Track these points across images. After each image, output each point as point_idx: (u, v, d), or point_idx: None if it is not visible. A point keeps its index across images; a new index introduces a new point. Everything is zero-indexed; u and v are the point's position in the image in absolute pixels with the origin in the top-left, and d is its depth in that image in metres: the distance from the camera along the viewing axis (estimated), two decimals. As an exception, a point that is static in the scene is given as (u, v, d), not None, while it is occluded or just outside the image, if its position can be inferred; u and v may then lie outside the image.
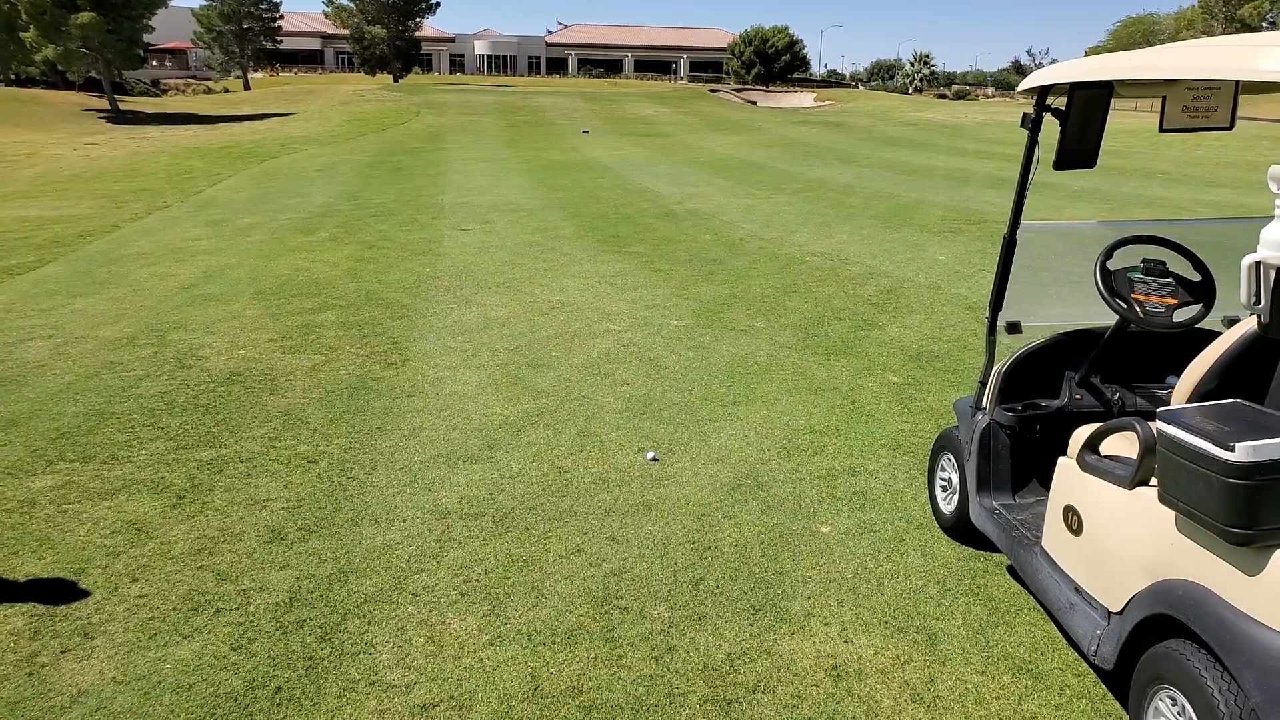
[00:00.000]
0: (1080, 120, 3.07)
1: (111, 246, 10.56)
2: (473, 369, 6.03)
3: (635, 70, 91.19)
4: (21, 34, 39.29)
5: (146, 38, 43.63)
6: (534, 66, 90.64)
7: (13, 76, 48.25)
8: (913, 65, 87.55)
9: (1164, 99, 3.14)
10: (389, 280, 8.68)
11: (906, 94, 75.13)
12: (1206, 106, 3.18)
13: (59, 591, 3.28)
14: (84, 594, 3.28)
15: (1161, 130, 3.20)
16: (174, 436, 4.75)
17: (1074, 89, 3.00)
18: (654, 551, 3.67)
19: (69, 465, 4.37)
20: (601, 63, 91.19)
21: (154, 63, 63.28)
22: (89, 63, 40.57)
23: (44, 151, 26.10)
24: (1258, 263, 2.36)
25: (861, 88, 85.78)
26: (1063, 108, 3.11)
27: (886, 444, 4.80)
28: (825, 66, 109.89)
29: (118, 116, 39.35)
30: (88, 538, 3.69)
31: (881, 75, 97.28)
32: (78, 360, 6.06)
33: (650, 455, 4.61)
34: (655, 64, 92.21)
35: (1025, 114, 3.25)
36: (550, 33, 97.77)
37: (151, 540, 3.68)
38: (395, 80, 60.14)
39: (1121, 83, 2.92)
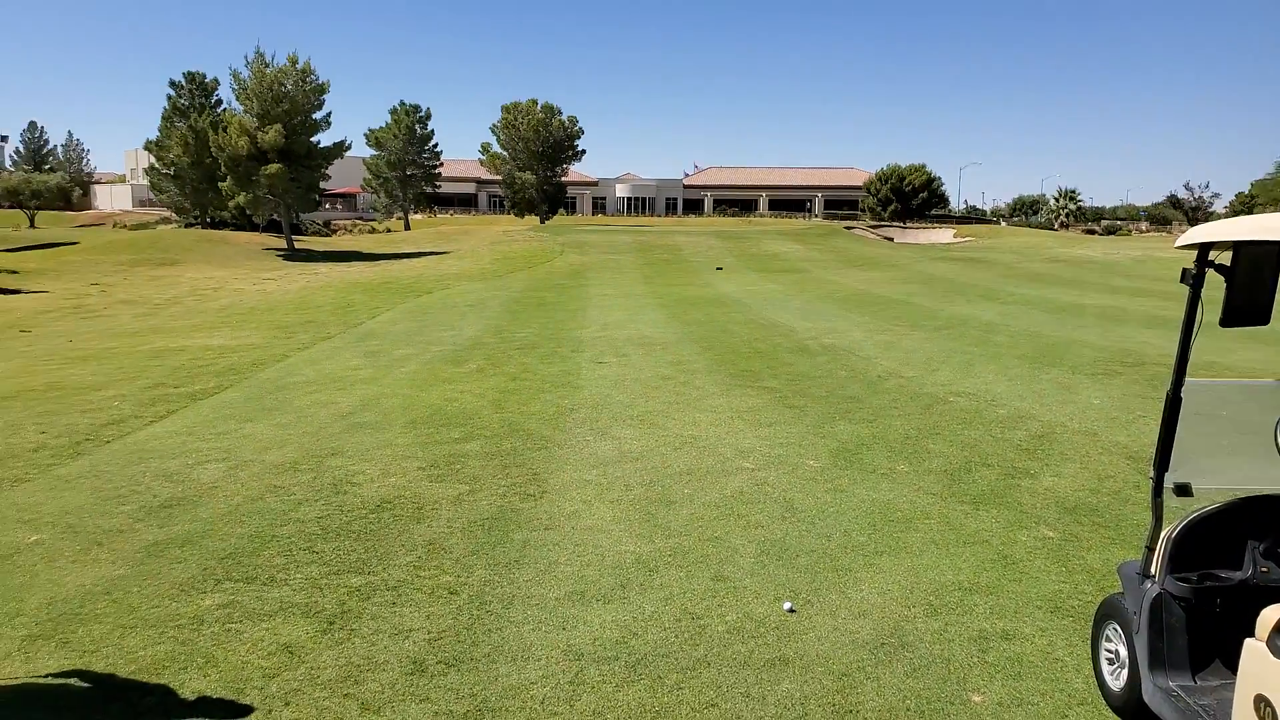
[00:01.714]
0: (1248, 276, 2.94)
1: (280, 374, 11.37)
2: (607, 504, 6.09)
3: (770, 209, 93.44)
4: (220, 183, 43.94)
5: (322, 184, 47.94)
6: (671, 207, 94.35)
7: (209, 219, 53.75)
8: (1058, 200, 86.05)
9: None
10: (530, 411, 8.97)
11: (1052, 229, 73.61)
12: None
13: (220, 710, 3.43)
14: (243, 712, 3.41)
15: None
16: (327, 561, 4.98)
17: (1240, 244, 2.90)
18: (791, 712, 3.53)
19: (234, 585, 4.62)
20: (736, 202, 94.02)
21: (327, 205, 69.32)
22: (272, 207, 44.78)
23: (228, 286, 28.67)
24: None
25: (1004, 224, 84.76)
26: (1228, 263, 2.99)
27: (1043, 605, 4.51)
28: (965, 202, 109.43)
29: (293, 254, 42.94)
30: (247, 658, 3.86)
31: (1025, 210, 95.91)
32: (245, 483, 6.48)
33: (787, 606, 4.48)
34: (790, 203, 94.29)
35: (1185, 270, 3.13)
36: (687, 175, 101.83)
37: (303, 664, 3.82)
38: (542, 221, 63.58)
39: None
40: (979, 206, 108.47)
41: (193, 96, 53.85)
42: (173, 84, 53.80)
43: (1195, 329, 3.17)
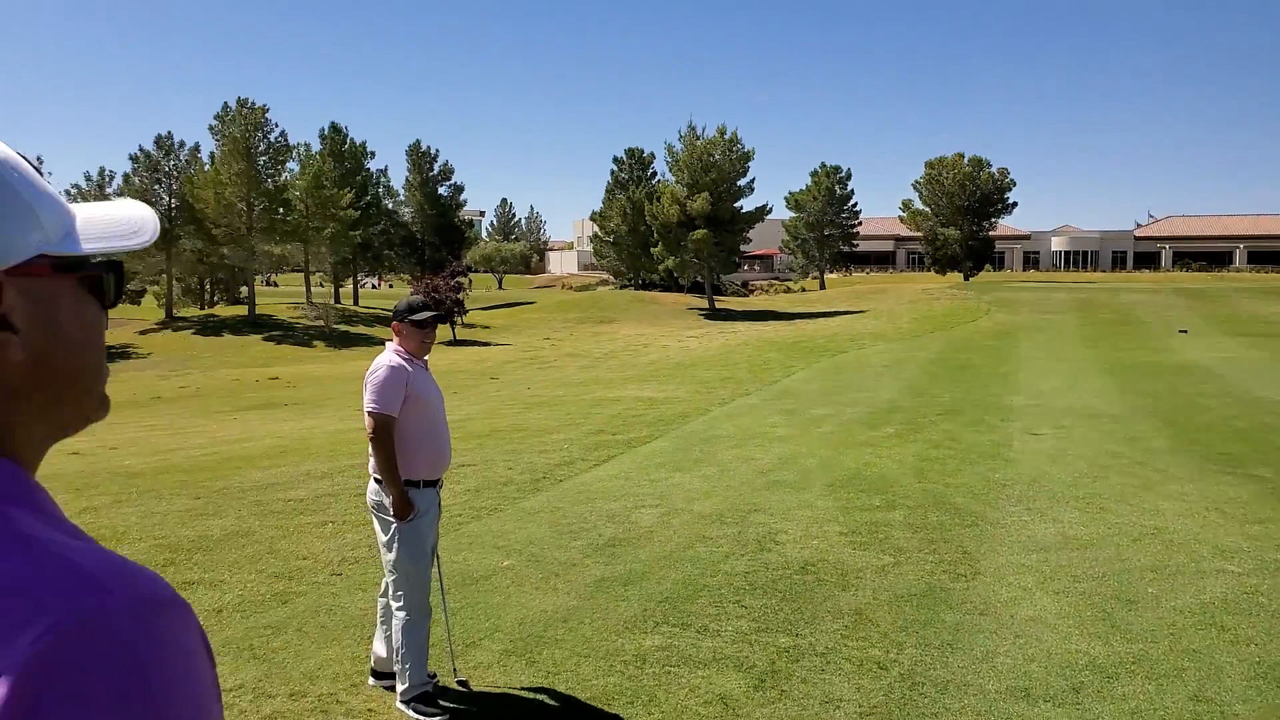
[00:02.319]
0: None
1: (703, 427, 12.02)
2: (1050, 594, 5.51)
3: (1249, 262, 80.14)
4: (652, 249, 48.32)
5: (742, 247, 50.60)
6: (1119, 261, 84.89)
7: (641, 281, 59.31)
8: None
9: None
10: (956, 483, 8.48)
11: None
12: None
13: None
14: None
15: None
16: (756, 617, 5.07)
17: None
18: None
19: (671, 629, 4.89)
20: (1203, 255, 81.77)
21: (745, 267, 72.88)
22: (696, 269, 48.17)
23: (656, 343, 31.24)
24: None
25: None
26: None
27: None
28: None
29: (713, 314, 45.69)
30: (685, 702, 4.04)
31: None
32: (678, 530, 6.88)
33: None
34: (1274, 255, 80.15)
35: None
36: (1139, 225, 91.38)
37: (738, 718, 3.89)
38: (966, 278, 60.93)
39: None
40: None
41: (632, 170, 60.13)
42: (615, 160, 60.59)
43: None
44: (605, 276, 71.54)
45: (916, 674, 4.35)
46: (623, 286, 62.30)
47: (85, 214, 0.77)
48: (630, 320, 43.39)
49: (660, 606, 5.23)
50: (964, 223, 61.34)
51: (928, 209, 63.27)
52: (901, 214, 66.16)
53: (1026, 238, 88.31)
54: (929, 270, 66.67)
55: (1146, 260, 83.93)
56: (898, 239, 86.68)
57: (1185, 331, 28.98)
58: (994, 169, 62.17)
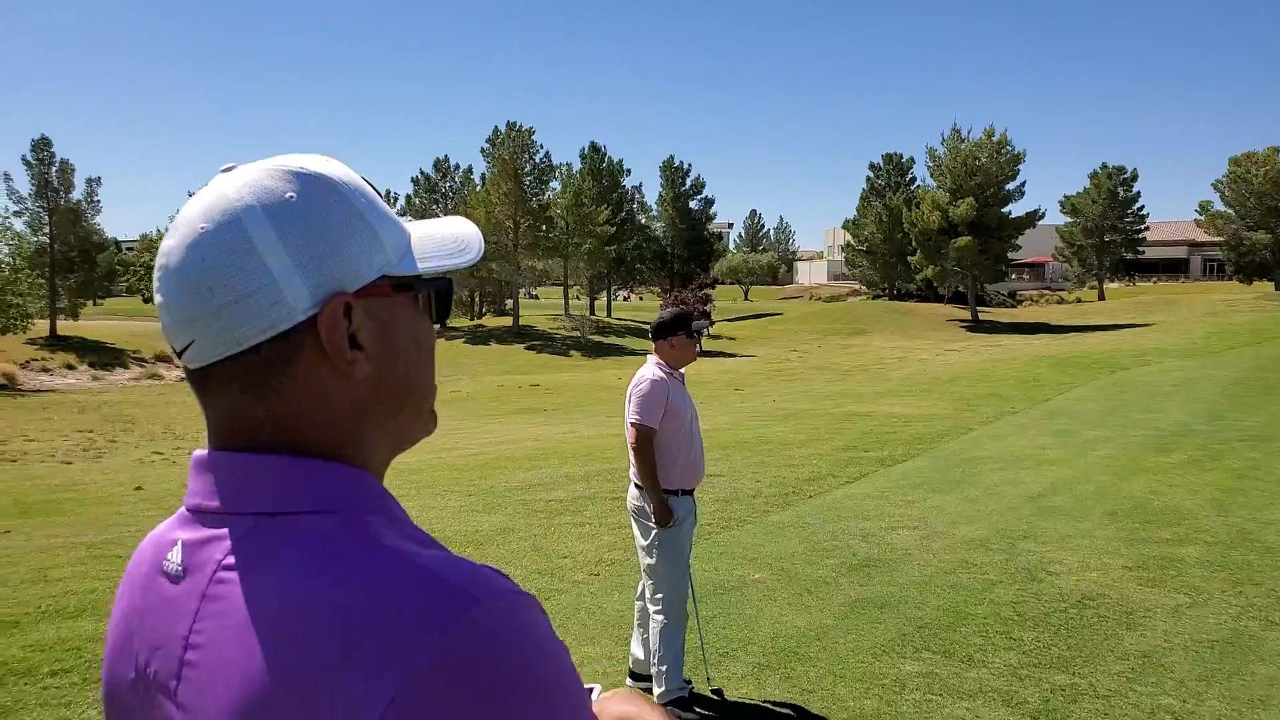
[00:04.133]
0: None
1: (965, 447, 11.39)
2: (1393, 653, 4.71)
3: None
4: (909, 257, 46.63)
5: (1010, 255, 47.61)
6: None
7: (895, 291, 57.43)
8: None
9: None
10: (1267, 519, 7.47)
11: None
12: None
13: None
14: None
15: None
16: (1026, 651, 4.73)
17: None
18: None
19: (931, 656, 4.67)
20: None
21: (1012, 276, 68.37)
22: (958, 279, 45.89)
23: (912, 356, 30.06)
24: None
25: None
26: None
27: None
28: None
29: (976, 325, 43.31)
30: (950, 735, 3.84)
31: None
32: (938, 554, 6.56)
33: None
34: None
35: None
36: None
37: (1005, 759, 3.65)
38: (1277, 288, 53.64)
39: None
40: None
41: (889, 176, 58.43)
42: (872, 166, 59.13)
43: None
44: (856, 286, 69.96)
45: (1220, 731, 3.87)
46: (875, 297, 60.65)
47: (419, 232, 0.79)
48: (883, 332, 42.05)
49: (920, 632, 5.00)
50: (1277, 225, 53.94)
51: (1231, 210, 56.26)
52: (1198, 216, 59.32)
53: (1355, 241, 76.29)
54: (1230, 279, 59.25)
55: None
56: (1192, 245, 77.88)
57: None
58: (1317, 163, 54.29)
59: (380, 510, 0.70)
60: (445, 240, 0.80)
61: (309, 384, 0.70)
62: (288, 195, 0.70)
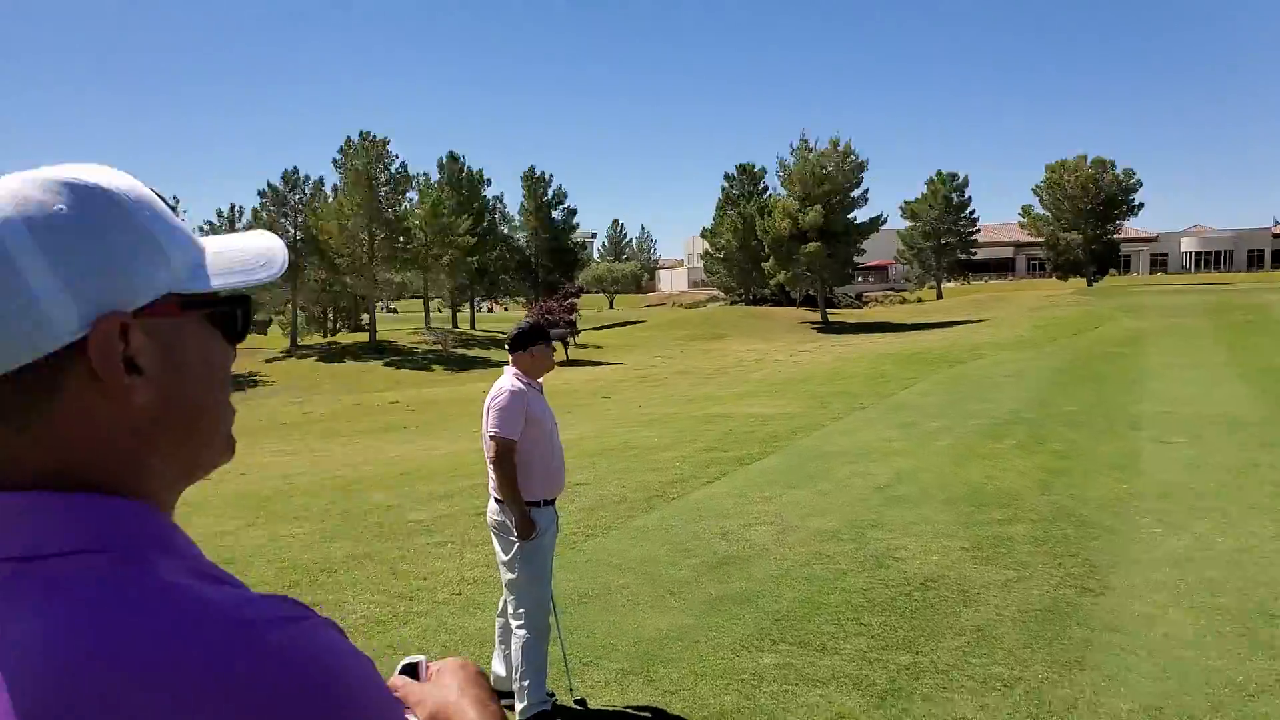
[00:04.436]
0: None
1: (817, 443, 11.87)
2: (1186, 609, 5.25)
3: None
4: (763, 263, 48.11)
5: (855, 258, 49.81)
6: (1255, 261, 79.65)
7: (751, 296, 59.13)
8: None
9: None
10: (1083, 495, 8.15)
11: None
12: None
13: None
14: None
15: None
16: (875, 635, 5.01)
17: None
18: None
19: (788, 647, 4.88)
20: (1352, 250, 76.13)
21: (859, 278, 71.47)
22: (809, 282, 47.66)
23: (769, 358, 31.03)
24: None
25: None
26: None
27: None
28: None
29: (826, 327, 45.10)
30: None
31: None
32: (793, 547, 6.84)
33: None
34: None
35: None
36: (1277, 223, 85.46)
37: (854, 738, 3.86)
38: (1089, 283, 58.31)
39: None
40: None
41: (743, 185, 60.13)
42: (727, 176, 60.68)
43: None
44: (716, 293, 71.57)
45: (1043, 692, 4.22)
46: (734, 302, 62.23)
47: (215, 247, 0.74)
48: (742, 336, 43.19)
49: (777, 625, 5.22)
50: (1087, 226, 58.73)
51: (1048, 214, 60.87)
52: (1021, 219, 63.86)
53: (1154, 240, 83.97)
54: (1050, 276, 64.06)
55: (1287, 259, 78.43)
56: (1017, 245, 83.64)
57: (1340, 331, 26.91)
58: (1119, 170, 59.46)
59: (159, 545, 0.65)
60: (245, 255, 0.74)
61: (79, 412, 0.64)
62: (55, 208, 0.64)
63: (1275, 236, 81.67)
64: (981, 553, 6.51)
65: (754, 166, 60.27)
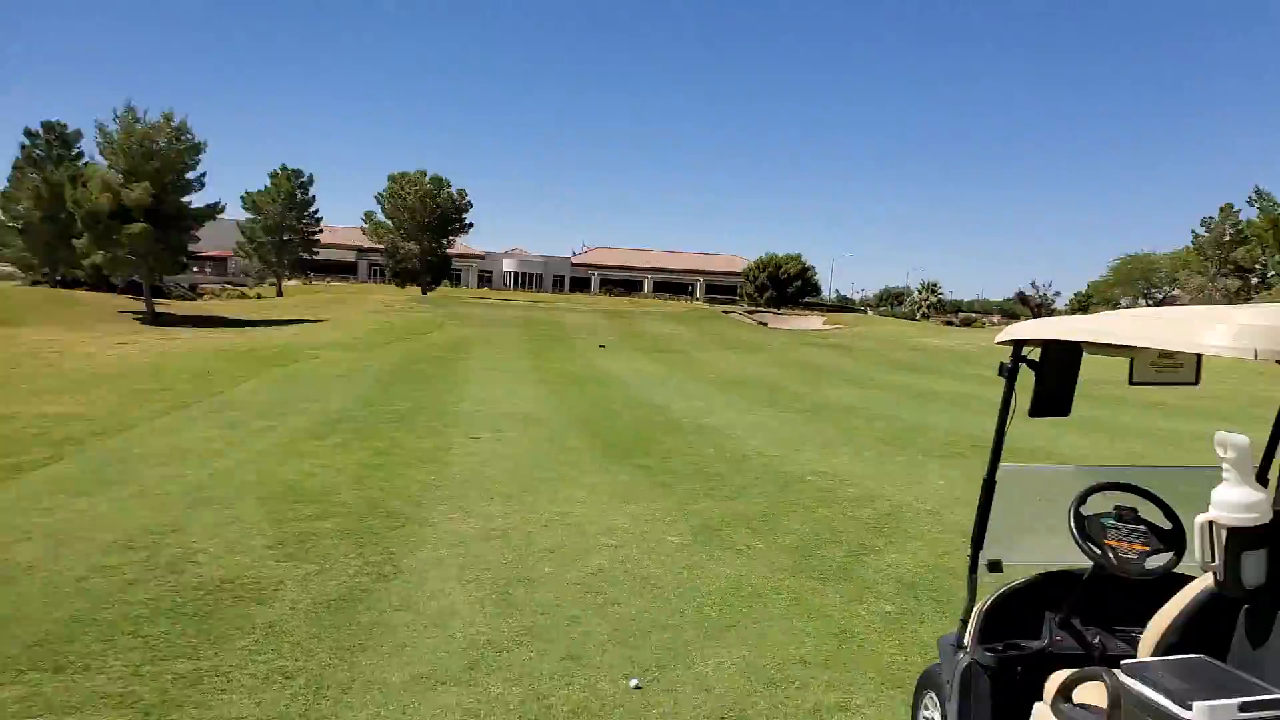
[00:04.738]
0: (1054, 372, 3.22)
1: (126, 445, 10.75)
2: (463, 583, 5.99)
3: (654, 290, 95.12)
4: (75, 240, 41.77)
5: (191, 247, 46.18)
6: (559, 284, 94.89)
7: (59, 277, 50.91)
8: (921, 292, 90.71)
9: (1131, 357, 3.29)
10: (393, 488, 8.76)
11: (914, 319, 77.46)
12: (1172, 364, 3.32)
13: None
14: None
15: (1131, 383, 3.34)
16: (153, 646, 4.69)
17: (1047, 343, 3.16)
18: (629, 791, 3.51)
19: (39, 675, 4.29)
20: (622, 282, 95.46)
21: (195, 269, 66.52)
22: (133, 267, 42.77)
23: (75, 350, 27.02)
24: (1210, 522, 2.42)
25: (870, 313, 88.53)
26: (1037, 359, 3.27)
27: (876, 677, 4.67)
28: (836, 291, 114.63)
29: (153, 318, 41.02)
30: (43, 754, 3.58)
31: (890, 301, 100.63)
32: (70, 563, 6.06)
33: (634, 683, 4.49)
34: (673, 285, 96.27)
35: (1002, 364, 3.39)
36: (575, 253, 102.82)
37: (110, 759, 3.57)
38: (424, 293, 62.80)
39: (1087, 344, 3.05)
40: (848, 296, 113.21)
41: (50, 147, 51.49)
42: (28, 132, 51.37)
43: (1009, 417, 3.41)
44: (10, 269, 59.93)
45: (323, 678, 4.41)
46: (34, 283, 52.87)
47: None
48: (42, 323, 36.82)
49: (29, 651, 4.55)
50: (424, 238, 63.35)
51: (390, 222, 64.13)
52: (364, 225, 66.15)
53: (482, 257, 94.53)
54: (389, 282, 67.58)
55: (580, 284, 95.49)
56: (360, 250, 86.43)
57: (604, 347, 33.44)
58: (454, 189, 65.27)
59: None
60: None
61: None
62: None
63: (573, 264, 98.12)
64: (286, 549, 6.56)
65: (66, 127, 52.11)
